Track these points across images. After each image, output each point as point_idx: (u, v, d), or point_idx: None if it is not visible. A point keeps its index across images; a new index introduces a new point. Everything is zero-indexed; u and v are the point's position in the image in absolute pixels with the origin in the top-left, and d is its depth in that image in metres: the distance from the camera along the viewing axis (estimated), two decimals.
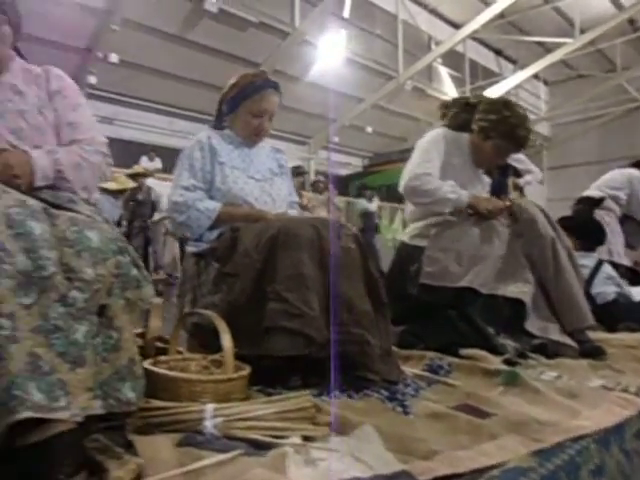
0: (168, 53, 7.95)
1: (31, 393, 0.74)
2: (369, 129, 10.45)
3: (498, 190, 1.82)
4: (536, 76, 10.55)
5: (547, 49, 9.87)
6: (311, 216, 1.43)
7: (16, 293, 0.78)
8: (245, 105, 1.52)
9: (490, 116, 1.72)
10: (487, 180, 1.85)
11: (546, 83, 11.84)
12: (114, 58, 7.46)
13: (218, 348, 1.26)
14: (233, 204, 1.47)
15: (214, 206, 1.44)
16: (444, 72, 10.42)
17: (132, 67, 7.82)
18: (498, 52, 10.99)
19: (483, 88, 9.83)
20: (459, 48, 9.82)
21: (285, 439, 0.85)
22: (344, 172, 11.25)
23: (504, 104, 1.73)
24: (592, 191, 3.15)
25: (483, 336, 1.53)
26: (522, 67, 10.27)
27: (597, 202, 3.04)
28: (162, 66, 8.23)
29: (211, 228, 1.45)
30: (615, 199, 3.03)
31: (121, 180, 5.52)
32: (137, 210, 5.68)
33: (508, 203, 1.68)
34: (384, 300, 1.34)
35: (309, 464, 0.78)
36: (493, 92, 9.42)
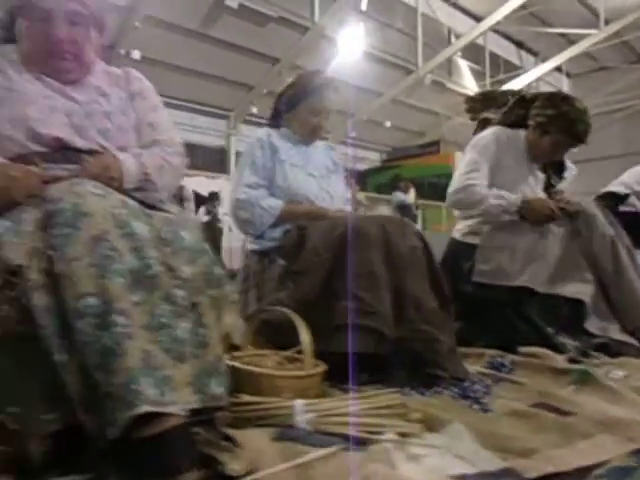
0: (189, 49, 7.99)
1: (146, 388, 0.76)
2: (387, 123, 10.39)
3: (552, 187, 1.81)
4: (558, 68, 10.39)
5: (570, 41, 9.71)
6: (374, 214, 1.42)
7: (128, 291, 0.81)
8: (305, 103, 1.53)
9: (548, 111, 1.70)
10: (541, 176, 1.84)
11: (568, 75, 11.65)
12: (136, 55, 7.51)
13: (285, 344, 1.28)
14: (294, 201, 1.49)
15: (277, 204, 1.46)
16: (464, 65, 10.30)
17: (154, 64, 7.86)
18: (519, 44, 10.83)
19: (504, 81, 9.71)
20: (479, 41, 9.71)
21: (380, 435, 0.86)
22: (362, 167, 11.22)
23: (562, 98, 1.72)
24: (616, 187, 3.08)
25: (542, 334, 1.53)
26: (544, 59, 10.12)
27: (621, 198, 2.97)
28: (183, 62, 8.27)
29: (272, 225, 1.47)
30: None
31: None
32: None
33: (563, 204, 1.67)
34: (448, 297, 1.35)
35: (412, 460, 0.79)
36: (514, 85, 9.31)
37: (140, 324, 0.80)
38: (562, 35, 9.83)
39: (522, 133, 1.83)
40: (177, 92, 8.97)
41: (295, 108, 1.56)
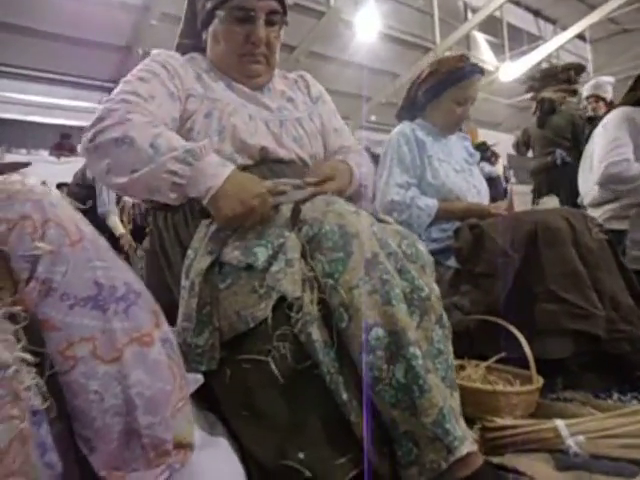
0: None
1: (452, 425, 0.69)
2: None
3: None
4: (579, 35, 10.10)
5: (589, 5, 9.41)
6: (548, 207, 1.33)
7: (410, 318, 0.73)
8: (449, 92, 1.44)
9: None
10: None
11: (586, 40, 11.34)
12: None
13: (463, 353, 1.21)
14: (446, 199, 1.40)
15: (433, 202, 1.37)
16: (481, 39, 10.06)
17: None
18: (536, 12, 10.53)
19: (525, 53, 9.46)
20: (496, 12, 9.43)
21: None
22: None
23: None
24: None
25: None
26: (563, 27, 9.83)
27: None
28: None
29: (427, 225, 1.39)
30: None
31: None
32: None
33: None
34: None
35: None
36: (535, 56, 9.08)
37: (424, 353, 0.73)
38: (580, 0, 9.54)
39: None
40: None
41: (437, 98, 1.46)
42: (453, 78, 1.41)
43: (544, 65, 9.90)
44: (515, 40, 10.07)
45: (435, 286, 0.84)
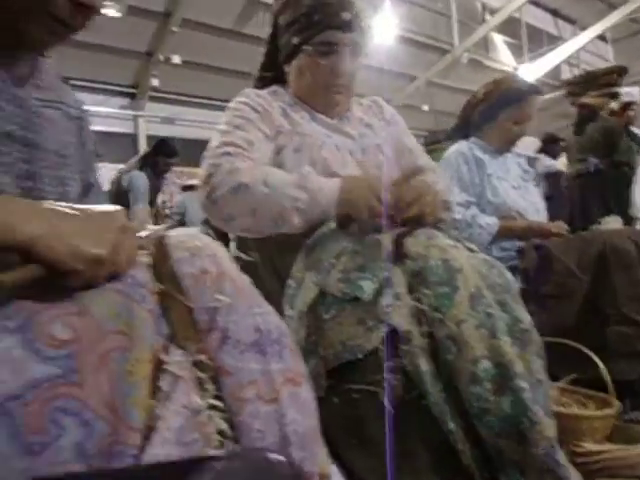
0: (223, 49, 7.91)
1: (562, 456, 0.71)
2: (425, 107, 10.17)
3: None
4: (600, 36, 10.00)
5: (609, 4, 9.32)
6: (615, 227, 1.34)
7: (513, 350, 0.76)
8: (507, 112, 1.46)
9: None
10: None
11: (607, 40, 11.22)
12: (176, 59, 7.46)
13: None
14: (506, 217, 1.42)
15: (493, 221, 1.40)
16: (499, 40, 10.00)
17: (192, 67, 7.82)
18: (554, 12, 10.45)
19: (543, 54, 9.39)
20: (514, 13, 9.38)
21: None
22: None
23: None
24: None
25: None
26: (582, 27, 9.73)
27: None
28: (218, 62, 8.19)
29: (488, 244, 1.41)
30: None
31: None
32: None
33: None
34: None
35: None
36: (555, 57, 9.01)
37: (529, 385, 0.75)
38: None
39: None
40: (212, 92, 8.93)
41: (495, 118, 1.48)
42: (512, 98, 1.44)
43: (564, 66, 9.83)
44: (534, 41, 10.00)
45: (526, 316, 0.86)
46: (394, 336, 0.76)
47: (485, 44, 9.70)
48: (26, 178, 0.57)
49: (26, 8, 0.50)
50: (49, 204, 0.47)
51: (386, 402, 0.75)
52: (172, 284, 0.49)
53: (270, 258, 0.92)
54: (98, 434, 0.42)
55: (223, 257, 0.53)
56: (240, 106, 1.00)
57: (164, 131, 8.60)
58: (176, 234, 0.53)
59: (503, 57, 9.94)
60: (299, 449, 0.55)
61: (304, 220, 0.87)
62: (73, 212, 0.48)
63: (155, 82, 7.71)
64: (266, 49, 1.13)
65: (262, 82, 1.13)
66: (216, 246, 0.53)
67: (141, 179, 3.52)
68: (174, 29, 7.14)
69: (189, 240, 0.52)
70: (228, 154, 0.90)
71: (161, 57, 7.43)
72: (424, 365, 0.74)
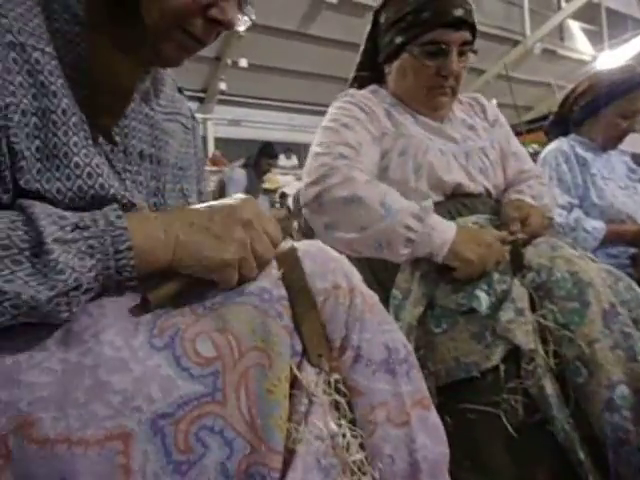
0: (288, 50, 8.02)
1: None
2: (494, 101, 9.73)
3: None
4: None
5: None
6: None
7: None
8: (614, 106, 1.33)
9: None
10: None
11: None
12: (243, 63, 7.66)
13: None
14: (612, 220, 1.31)
15: (600, 225, 1.29)
16: (576, 27, 9.37)
17: (258, 69, 8.00)
18: None
19: (626, 41, 8.68)
20: None
21: None
22: None
23: None
24: None
25: None
26: None
27: None
28: (282, 64, 8.32)
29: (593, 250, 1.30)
30: None
31: (274, 180, 5.64)
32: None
33: None
34: None
35: None
36: (636, 45, 8.30)
37: None
38: None
39: None
40: (276, 94, 9.10)
41: (600, 112, 1.36)
42: (620, 90, 1.31)
43: None
44: (616, 27, 9.28)
45: None
46: (516, 355, 0.70)
47: (560, 32, 9.13)
48: (155, 194, 0.57)
49: (165, 27, 0.50)
50: (178, 212, 0.48)
51: (507, 426, 0.69)
52: (305, 299, 0.47)
53: (372, 272, 0.89)
54: (238, 453, 0.41)
55: (352, 271, 0.51)
56: (348, 105, 0.97)
57: (231, 133, 8.91)
58: (304, 245, 0.51)
59: (580, 45, 9.31)
60: (430, 477, 0.52)
61: (410, 252, 0.82)
62: (199, 216, 0.48)
63: (223, 86, 7.96)
64: (363, 48, 1.09)
65: (359, 82, 1.09)
66: (344, 259, 0.51)
67: (240, 174, 3.84)
68: (241, 33, 7.33)
69: (319, 252, 0.49)
70: (343, 157, 0.87)
71: (229, 61, 7.66)
72: (549, 388, 0.68)
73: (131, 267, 0.43)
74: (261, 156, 4.03)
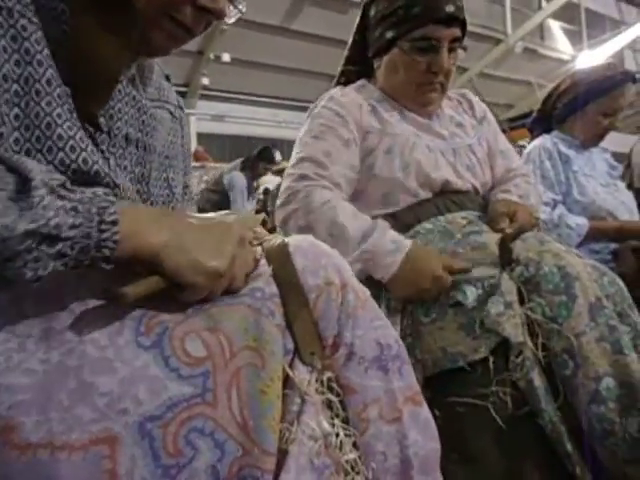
0: (271, 45, 7.96)
1: None
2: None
3: None
4: None
5: None
6: None
7: None
8: (597, 103, 1.35)
9: None
10: None
11: None
12: (226, 57, 7.58)
13: None
14: (594, 217, 1.32)
15: (583, 221, 1.30)
16: (556, 27, 9.51)
17: (241, 64, 7.92)
18: None
19: (605, 41, 8.85)
20: None
21: None
22: None
23: None
24: None
25: None
26: None
27: None
28: (265, 59, 8.26)
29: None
30: None
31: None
32: None
33: None
34: None
35: None
36: (616, 44, 8.48)
37: None
38: None
39: None
40: (260, 89, 9.03)
41: (583, 109, 1.38)
42: (602, 88, 1.33)
43: (627, 52, 9.24)
44: (594, 27, 9.45)
45: None
46: (504, 347, 0.70)
47: (541, 32, 9.26)
48: (139, 181, 0.56)
49: (154, 14, 0.49)
50: (173, 212, 0.45)
51: (497, 418, 0.69)
52: (296, 295, 0.46)
53: None
54: (229, 456, 0.40)
55: (344, 266, 0.50)
56: (323, 111, 0.97)
57: (214, 128, 8.81)
58: (295, 240, 0.50)
59: (560, 45, 9.47)
60: (421, 473, 0.51)
61: (363, 274, 0.82)
62: (195, 222, 0.46)
63: (205, 81, 7.86)
64: (352, 41, 1.08)
65: (346, 76, 1.08)
66: (335, 254, 0.50)
67: (241, 179, 3.83)
68: (224, 27, 7.25)
69: (310, 247, 0.48)
70: (306, 177, 0.89)
71: (211, 56, 7.57)
72: (538, 380, 0.69)
73: (112, 243, 0.39)
74: (259, 159, 4.03)
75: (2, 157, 0.39)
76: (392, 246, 0.81)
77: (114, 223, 0.39)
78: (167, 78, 0.68)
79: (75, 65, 0.48)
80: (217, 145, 8.52)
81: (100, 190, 0.41)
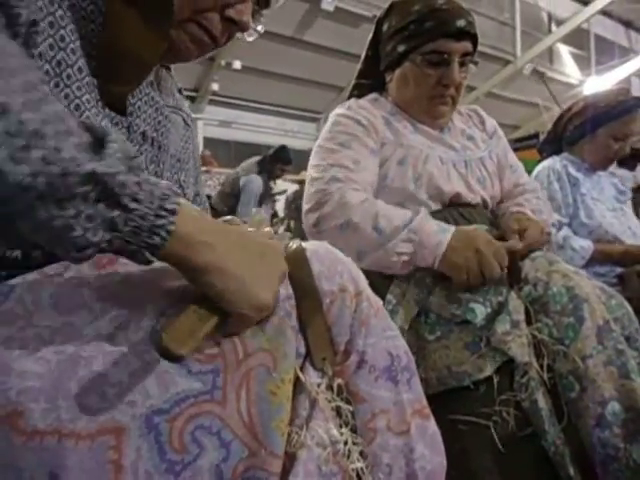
0: (282, 55, 8.03)
1: None
2: None
3: None
4: None
5: None
6: None
7: None
8: (608, 127, 1.36)
9: None
10: None
11: None
12: (237, 65, 7.65)
13: None
14: (600, 240, 1.33)
15: (588, 244, 1.31)
16: (565, 51, 9.61)
17: (252, 72, 7.98)
18: (627, 24, 9.94)
19: (613, 67, 8.93)
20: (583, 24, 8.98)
21: None
22: None
23: None
24: None
25: None
26: None
27: None
28: (276, 68, 8.33)
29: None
30: None
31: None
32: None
33: None
34: None
35: None
36: (625, 70, 8.55)
37: None
38: None
39: None
40: (268, 98, 9.10)
41: (593, 133, 1.39)
42: (614, 112, 1.34)
43: (634, 80, 9.31)
44: (603, 53, 9.54)
45: None
46: (509, 367, 0.70)
47: (549, 55, 9.35)
48: None
49: (181, 16, 0.51)
50: (228, 226, 0.44)
51: (496, 438, 0.69)
52: (312, 300, 0.46)
53: (365, 271, 0.89)
54: (234, 456, 0.40)
55: (359, 274, 0.50)
56: (344, 120, 0.97)
57: (221, 134, 8.86)
58: (312, 245, 0.50)
59: (568, 69, 9.55)
60: None
61: (408, 268, 0.84)
62: (249, 242, 0.43)
63: (215, 86, 7.92)
64: (364, 55, 1.09)
65: (359, 90, 1.09)
66: (350, 261, 0.50)
67: (257, 182, 3.69)
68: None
69: (327, 254, 0.48)
70: (337, 180, 0.88)
71: (222, 62, 7.63)
72: (542, 401, 0.68)
73: (166, 233, 0.37)
74: (275, 161, 3.85)
75: (81, 120, 0.38)
76: (437, 227, 0.82)
77: (173, 212, 0.38)
78: (179, 91, 0.70)
79: (104, 60, 0.49)
80: (223, 151, 8.55)
81: (163, 181, 0.40)
